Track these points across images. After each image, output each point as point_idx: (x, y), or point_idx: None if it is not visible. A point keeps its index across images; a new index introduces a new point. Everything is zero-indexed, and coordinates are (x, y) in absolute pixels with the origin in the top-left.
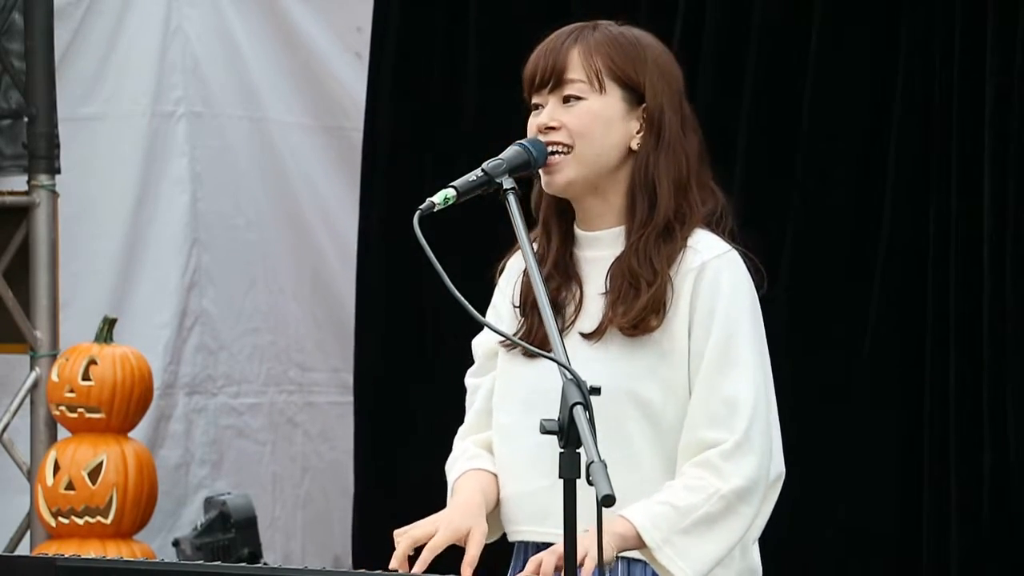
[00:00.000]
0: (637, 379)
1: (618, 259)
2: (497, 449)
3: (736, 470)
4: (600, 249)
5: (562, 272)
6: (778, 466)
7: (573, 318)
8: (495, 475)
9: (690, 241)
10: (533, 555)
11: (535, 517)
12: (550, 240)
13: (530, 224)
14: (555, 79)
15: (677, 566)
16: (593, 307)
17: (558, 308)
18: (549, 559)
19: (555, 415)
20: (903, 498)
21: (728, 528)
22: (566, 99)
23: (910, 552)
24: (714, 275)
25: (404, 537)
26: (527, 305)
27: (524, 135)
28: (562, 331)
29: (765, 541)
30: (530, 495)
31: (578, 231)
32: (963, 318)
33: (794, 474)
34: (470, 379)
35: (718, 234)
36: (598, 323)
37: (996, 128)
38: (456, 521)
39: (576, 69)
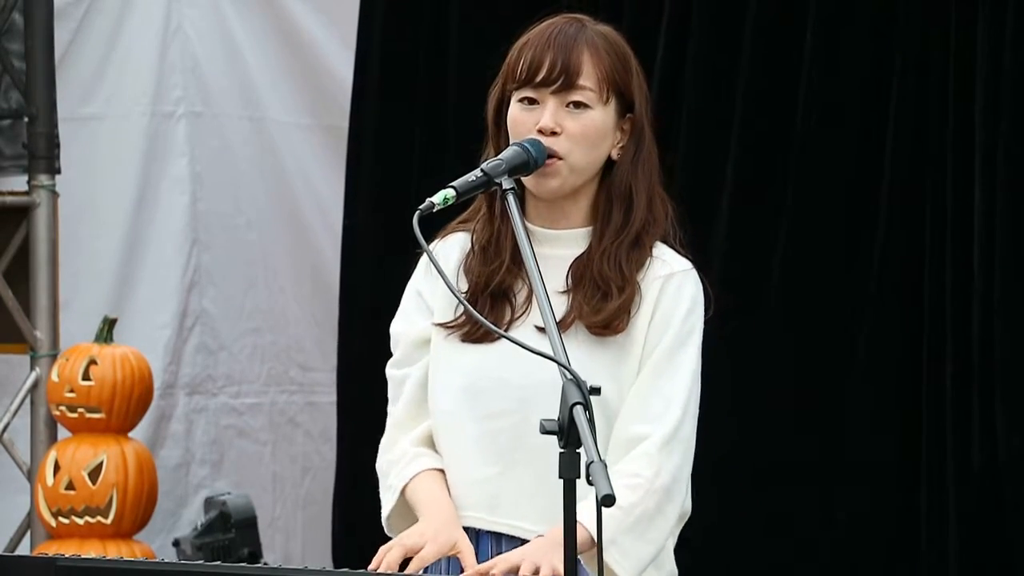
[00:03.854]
0: (597, 376)
1: (582, 260)
2: (440, 437)
3: (666, 463)
4: (560, 247)
5: (514, 263)
6: (686, 504)
7: (524, 309)
8: (443, 471)
9: (655, 252)
10: (480, 542)
11: (484, 505)
12: (500, 230)
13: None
14: (566, 80)
15: (621, 566)
16: (552, 303)
17: (507, 298)
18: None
19: (499, 402)
20: (901, 497)
21: (658, 528)
22: (572, 103)
23: (909, 551)
24: (678, 286)
25: (396, 546)
26: (477, 293)
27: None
28: (512, 321)
29: (765, 539)
30: (479, 483)
31: (535, 227)
32: (958, 318)
33: (793, 474)
34: (394, 370)
35: (675, 247)
36: (560, 319)
37: (986, 128)
38: (443, 535)
39: (588, 76)
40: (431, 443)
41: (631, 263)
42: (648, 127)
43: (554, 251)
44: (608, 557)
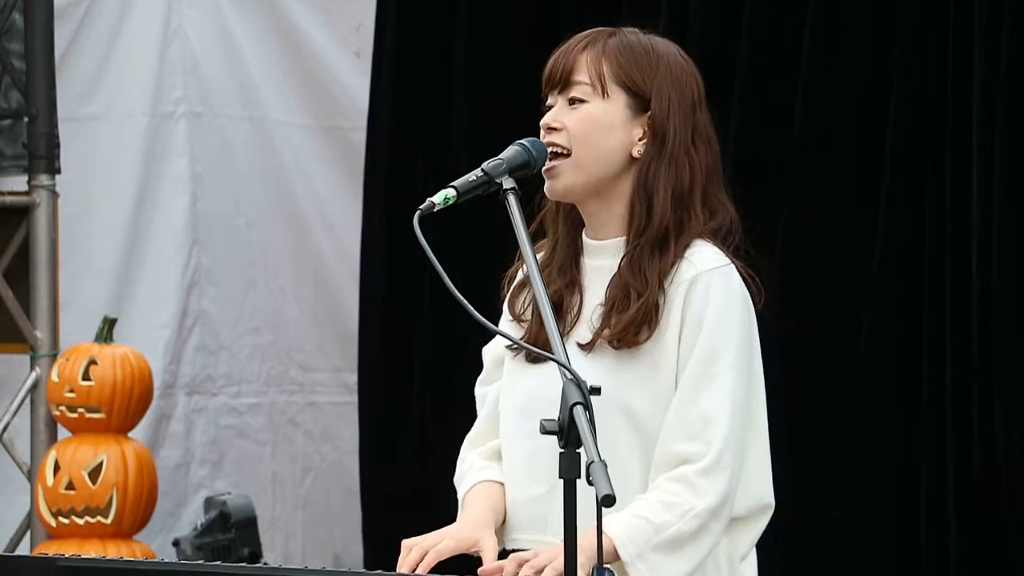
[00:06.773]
0: (627, 391)
1: (617, 270)
2: (502, 457)
3: (711, 487)
4: (605, 258)
5: (565, 278)
6: (766, 497)
7: (571, 326)
8: (503, 484)
9: (687, 253)
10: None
11: (533, 524)
12: (555, 245)
13: (531, 225)
14: (563, 80)
15: None
16: (593, 318)
17: (560, 315)
18: (510, 567)
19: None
20: (901, 498)
21: (698, 546)
22: (571, 101)
23: (909, 551)
24: (705, 287)
25: (415, 548)
26: (530, 309)
27: (522, 135)
28: (566, 334)
29: (763, 539)
30: (528, 502)
31: (586, 239)
32: (957, 318)
33: (792, 474)
34: (478, 388)
35: (722, 248)
36: (592, 334)
37: (983, 127)
38: (464, 532)
39: (582, 72)
40: (499, 457)
41: (654, 268)
42: (684, 125)
43: (598, 262)
44: (633, 572)
